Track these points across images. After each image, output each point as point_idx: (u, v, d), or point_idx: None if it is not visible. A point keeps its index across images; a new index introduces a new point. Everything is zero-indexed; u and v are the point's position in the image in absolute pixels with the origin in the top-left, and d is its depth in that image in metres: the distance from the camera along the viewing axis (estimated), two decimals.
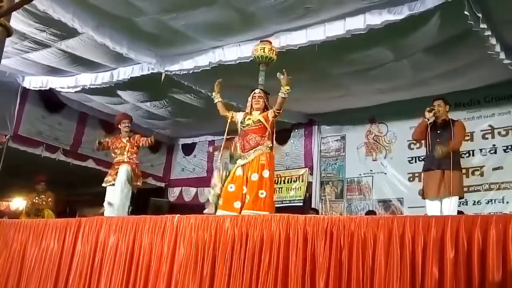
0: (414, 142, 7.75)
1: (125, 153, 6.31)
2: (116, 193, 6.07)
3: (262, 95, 4.93)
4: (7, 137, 9.05)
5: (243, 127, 4.89)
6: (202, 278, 3.66)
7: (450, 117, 5.23)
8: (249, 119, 4.89)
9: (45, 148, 9.63)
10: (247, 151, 4.76)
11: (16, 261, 5.24)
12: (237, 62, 6.46)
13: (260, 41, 5.43)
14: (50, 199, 8.76)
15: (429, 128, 5.11)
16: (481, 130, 7.87)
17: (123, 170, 6.13)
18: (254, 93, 4.97)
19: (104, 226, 4.64)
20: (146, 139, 6.42)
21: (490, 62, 6.23)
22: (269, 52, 5.17)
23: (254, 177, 4.58)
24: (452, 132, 4.98)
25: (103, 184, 6.30)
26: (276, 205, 9.20)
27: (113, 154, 6.46)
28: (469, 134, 7.75)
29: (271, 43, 5.34)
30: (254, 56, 5.30)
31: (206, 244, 3.76)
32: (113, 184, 6.16)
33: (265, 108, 4.93)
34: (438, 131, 5.05)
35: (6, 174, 8.75)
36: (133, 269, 4.18)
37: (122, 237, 4.40)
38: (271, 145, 4.79)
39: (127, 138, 6.42)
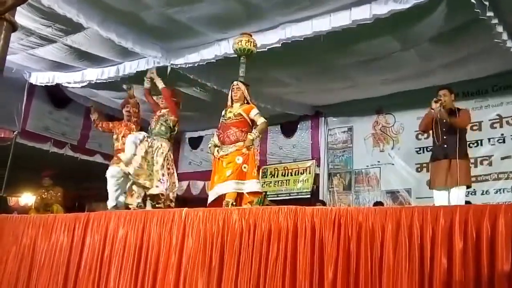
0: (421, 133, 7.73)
1: (121, 138, 6.07)
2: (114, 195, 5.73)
3: (240, 87, 4.97)
4: (15, 133, 9.12)
5: (224, 120, 4.92)
6: (210, 269, 3.68)
7: (456, 106, 5.18)
8: (230, 112, 4.93)
9: (53, 144, 9.70)
10: (226, 145, 4.79)
11: (27, 256, 5.28)
12: None
13: (240, 34, 5.39)
14: (59, 194, 8.82)
15: (435, 118, 5.06)
16: (489, 120, 7.81)
17: (114, 172, 5.71)
18: (233, 85, 5.01)
19: (113, 220, 4.66)
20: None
21: (498, 50, 6.16)
22: (246, 44, 5.15)
23: (238, 159, 4.66)
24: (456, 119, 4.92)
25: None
26: (284, 197, 9.39)
27: (114, 141, 6.24)
28: (477, 123, 7.73)
29: (250, 35, 5.30)
30: (234, 50, 5.31)
31: (214, 236, 3.77)
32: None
33: (245, 99, 4.97)
34: (444, 121, 5.00)
35: (15, 169, 8.81)
36: (142, 262, 4.20)
37: (131, 230, 4.42)
38: (250, 146, 4.77)
39: (126, 123, 6.23)
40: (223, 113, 5.01)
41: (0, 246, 5.60)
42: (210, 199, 4.82)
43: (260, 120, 4.86)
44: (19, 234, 5.47)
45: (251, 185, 4.65)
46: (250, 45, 5.16)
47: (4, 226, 5.74)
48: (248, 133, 4.77)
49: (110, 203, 5.71)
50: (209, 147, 5.04)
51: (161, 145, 5.45)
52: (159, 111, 5.82)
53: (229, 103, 5.04)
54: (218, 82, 7.67)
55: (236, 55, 5.46)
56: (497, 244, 2.65)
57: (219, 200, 4.73)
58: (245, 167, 4.66)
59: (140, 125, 6.23)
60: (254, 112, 4.90)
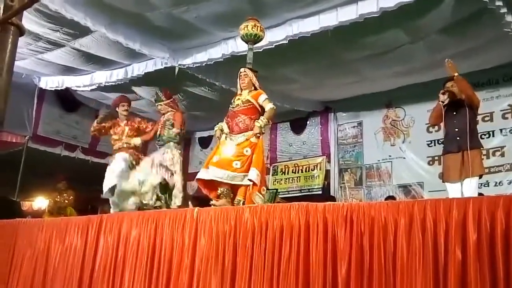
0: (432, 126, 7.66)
1: (124, 137, 5.91)
2: (114, 178, 5.71)
3: (248, 73, 4.86)
4: (26, 137, 9.20)
5: (232, 107, 4.83)
6: (223, 268, 3.68)
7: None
8: (239, 99, 4.84)
9: (64, 147, 9.80)
10: (235, 134, 4.70)
11: (41, 259, 5.32)
12: None
13: (246, 20, 5.14)
14: (71, 197, 8.89)
15: (444, 110, 5.00)
16: (501, 110, 7.73)
17: (121, 158, 5.72)
18: (240, 72, 4.91)
19: (126, 221, 4.68)
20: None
21: (508, 40, 6.10)
22: (253, 29, 4.94)
23: (247, 151, 4.58)
24: (466, 109, 4.85)
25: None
26: (295, 194, 9.36)
27: (111, 142, 6.06)
28: (488, 114, 7.65)
29: (257, 20, 5.07)
30: (240, 36, 5.13)
31: (226, 235, 3.77)
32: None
33: (253, 86, 4.86)
34: (454, 112, 4.94)
35: (27, 174, 8.89)
36: (155, 262, 4.22)
37: (144, 231, 4.44)
38: (259, 133, 4.64)
39: (125, 122, 6.03)
40: (232, 101, 4.92)
41: (15, 250, 5.66)
42: (201, 176, 4.72)
43: (268, 106, 4.72)
44: (33, 238, 5.52)
45: (250, 173, 4.50)
46: (257, 30, 4.96)
47: (18, 230, 5.79)
48: (256, 121, 4.65)
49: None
50: (215, 131, 4.92)
51: (171, 152, 5.69)
52: (163, 117, 5.89)
53: (238, 91, 4.95)
54: (226, 81, 7.67)
55: (241, 53, 5.41)
56: None
57: (215, 184, 4.68)
58: (254, 157, 4.57)
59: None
60: (262, 98, 4.76)
